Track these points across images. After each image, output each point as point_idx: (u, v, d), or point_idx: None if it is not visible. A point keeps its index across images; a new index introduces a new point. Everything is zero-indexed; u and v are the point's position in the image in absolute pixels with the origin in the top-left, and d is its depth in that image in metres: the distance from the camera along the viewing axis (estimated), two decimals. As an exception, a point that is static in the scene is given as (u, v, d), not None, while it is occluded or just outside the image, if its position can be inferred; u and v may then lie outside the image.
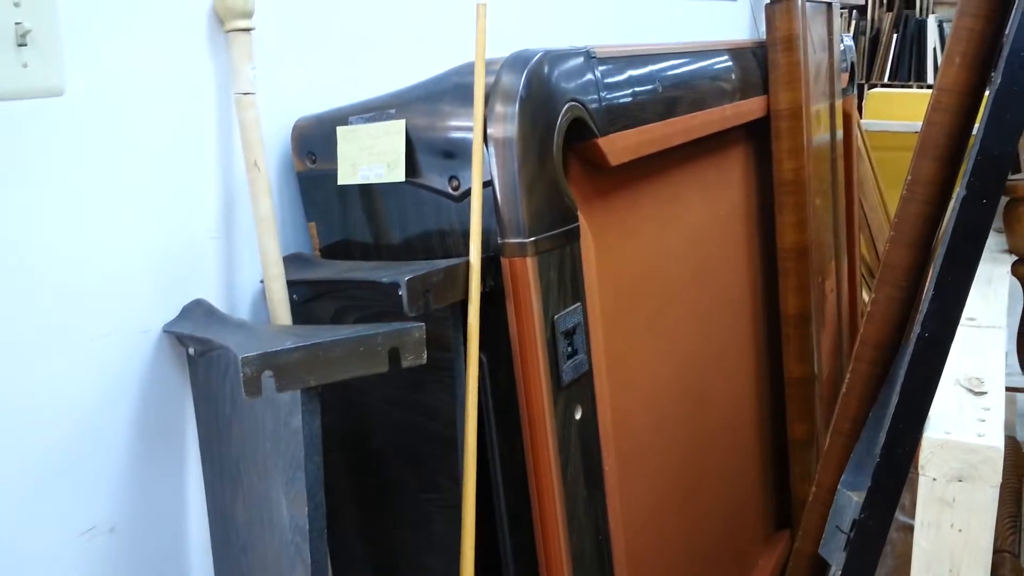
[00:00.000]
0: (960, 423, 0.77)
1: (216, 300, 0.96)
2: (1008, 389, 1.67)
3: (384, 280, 0.85)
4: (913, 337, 0.75)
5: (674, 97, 1.25)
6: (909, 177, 1.15)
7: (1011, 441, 1.55)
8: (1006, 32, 0.76)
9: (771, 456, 1.73)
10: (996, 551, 1.16)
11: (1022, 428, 1.87)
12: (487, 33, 0.96)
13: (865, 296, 2.17)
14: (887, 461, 0.76)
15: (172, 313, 0.91)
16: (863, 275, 2.27)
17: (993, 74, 0.80)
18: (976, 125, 0.84)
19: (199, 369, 0.87)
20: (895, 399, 0.74)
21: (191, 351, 0.88)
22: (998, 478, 0.73)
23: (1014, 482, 1.45)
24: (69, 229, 0.82)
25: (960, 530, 0.75)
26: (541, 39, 1.38)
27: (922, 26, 4.64)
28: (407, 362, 0.76)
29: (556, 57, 1.01)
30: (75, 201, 0.82)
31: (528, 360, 0.95)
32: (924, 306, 0.76)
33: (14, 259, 0.78)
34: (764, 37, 1.61)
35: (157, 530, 0.93)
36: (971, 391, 0.84)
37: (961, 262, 0.75)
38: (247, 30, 0.92)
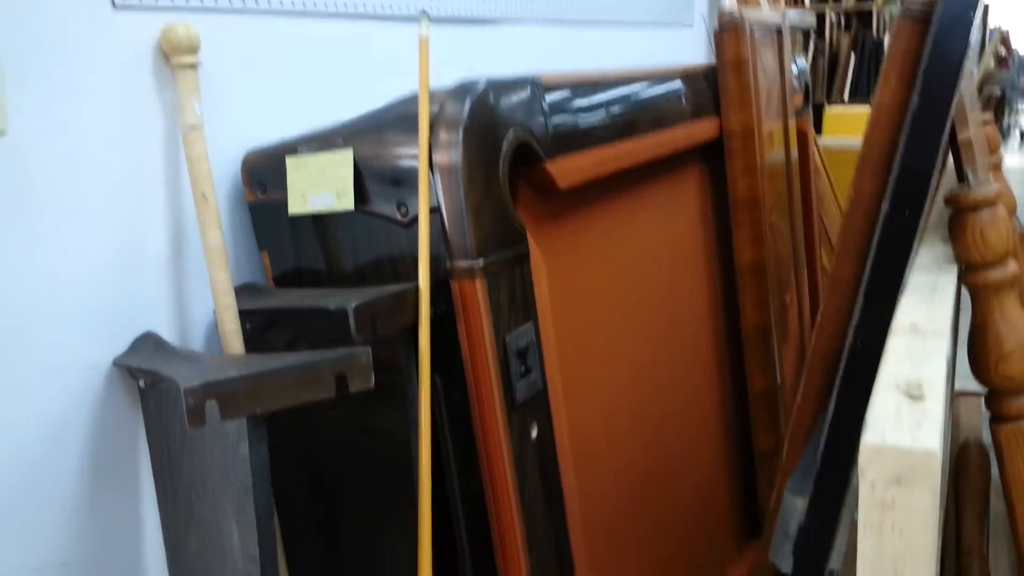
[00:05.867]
0: (897, 428, 0.79)
1: (168, 332, 0.97)
2: (967, 394, 1.70)
3: (332, 308, 0.86)
4: (846, 348, 0.77)
5: (624, 121, 1.28)
6: (851, 194, 1.18)
7: (976, 444, 1.57)
8: (923, 56, 0.79)
9: (738, 468, 1.74)
10: (965, 553, 1.17)
11: (986, 431, 1.90)
12: (434, 65, 0.98)
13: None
14: (827, 467, 0.77)
15: (123, 347, 0.92)
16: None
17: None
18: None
19: (150, 402, 0.88)
20: (832, 406, 0.76)
21: (141, 384, 0.88)
22: (936, 481, 0.75)
23: (980, 484, 1.47)
24: (15, 265, 0.83)
25: (901, 533, 0.76)
26: (500, 70, 1.40)
27: (879, 46, 4.75)
28: (355, 387, 0.77)
29: (500, 85, 1.03)
30: (20, 238, 0.83)
31: (481, 380, 0.96)
32: (855, 318, 0.78)
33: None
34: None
35: (111, 565, 0.93)
36: (910, 396, 0.86)
37: (887, 275, 0.77)
38: (193, 66, 0.94)
